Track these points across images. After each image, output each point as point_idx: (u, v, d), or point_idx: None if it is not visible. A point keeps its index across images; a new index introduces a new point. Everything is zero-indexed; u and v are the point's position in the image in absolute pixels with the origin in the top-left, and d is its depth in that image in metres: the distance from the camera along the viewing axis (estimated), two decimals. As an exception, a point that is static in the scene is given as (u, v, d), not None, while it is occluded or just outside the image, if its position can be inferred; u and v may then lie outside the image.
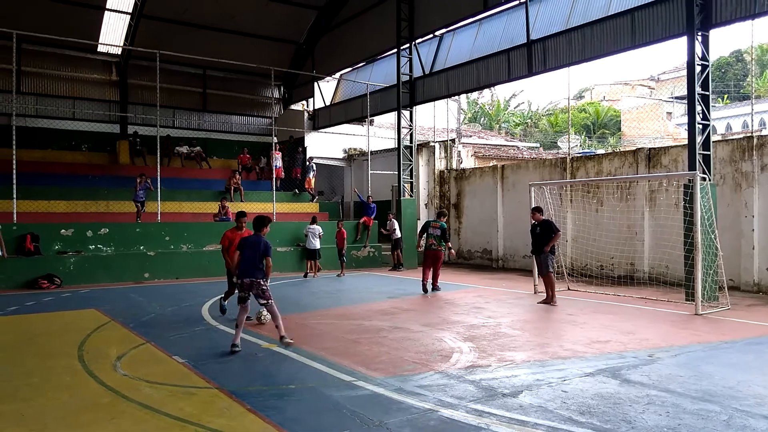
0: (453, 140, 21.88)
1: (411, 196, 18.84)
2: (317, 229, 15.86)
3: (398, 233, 17.74)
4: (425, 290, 12.46)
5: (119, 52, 22.28)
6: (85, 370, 6.37)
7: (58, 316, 10.15)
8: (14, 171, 14.08)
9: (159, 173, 16.44)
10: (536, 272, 12.52)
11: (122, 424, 4.71)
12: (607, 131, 44.24)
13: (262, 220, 7.59)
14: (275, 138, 19.89)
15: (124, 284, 14.39)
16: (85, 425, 4.68)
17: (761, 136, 12.51)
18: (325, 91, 24.73)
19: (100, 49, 21.86)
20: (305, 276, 15.98)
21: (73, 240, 14.76)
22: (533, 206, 11.01)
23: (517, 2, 15.71)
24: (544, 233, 10.84)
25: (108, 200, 17.50)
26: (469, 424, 4.63)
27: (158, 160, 16.70)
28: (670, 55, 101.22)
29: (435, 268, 12.75)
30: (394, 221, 17.80)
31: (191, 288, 13.73)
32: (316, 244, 15.83)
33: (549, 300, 10.71)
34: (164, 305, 11.10)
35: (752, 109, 14.08)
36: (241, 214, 9.23)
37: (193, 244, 16.43)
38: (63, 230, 14.77)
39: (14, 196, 14.10)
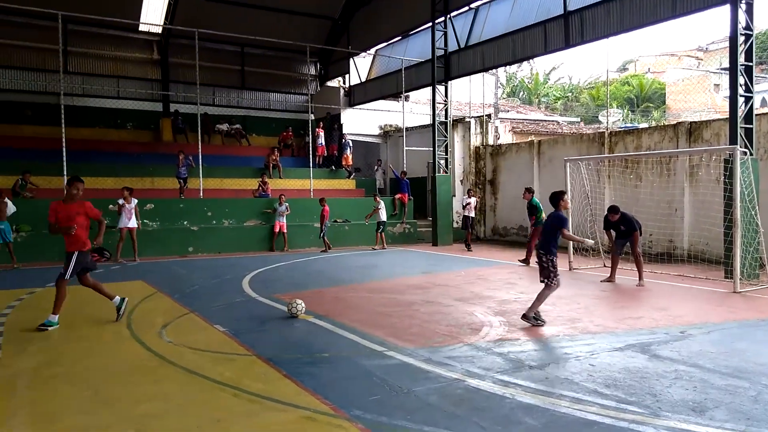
0: (489, 116, 21.66)
1: (446, 172, 18.85)
2: (382, 203, 17.46)
3: (472, 211, 17.06)
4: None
5: (160, 31, 22.75)
6: (132, 336, 6.78)
7: (108, 287, 10.64)
8: (64, 149, 14.68)
9: (200, 150, 16.90)
10: (572, 250, 12.58)
11: (167, 385, 5.04)
12: (651, 105, 42.89)
13: (554, 196, 7.57)
14: (312, 115, 20.11)
15: (170, 257, 14.96)
16: (133, 385, 5.03)
17: (811, 108, 12.04)
18: (360, 67, 24.73)
19: (142, 28, 22.36)
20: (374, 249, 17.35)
21: (120, 215, 15.36)
22: (610, 205, 10.88)
23: (555, -28, 15.37)
24: (627, 229, 10.50)
25: (153, 177, 18.12)
26: (495, 394, 4.77)
27: (199, 138, 17.15)
28: (718, 24, 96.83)
29: None
30: (473, 198, 17.25)
31: (232, 262, 14.20)
32: (383, 217, 17.47)
33: (639, 278, 10.59)
34: (207, 278, 11.55)
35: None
36: (72, 180, 7.18)
37: (234, 220, 16.90)
38: (111, 206, 15.38)
39: (65, 173, 14.71)
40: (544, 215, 13.08)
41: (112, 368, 5.56)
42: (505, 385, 4.96)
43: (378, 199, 17.53)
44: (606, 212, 10.73)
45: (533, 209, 13.45)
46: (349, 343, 6.42)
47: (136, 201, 14.35)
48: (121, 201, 14.18)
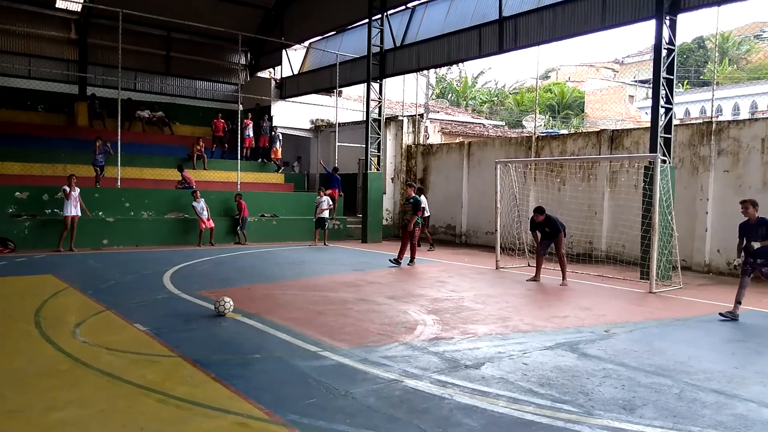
0: (421, 115, 21.83)
1: (378, 169, 18.80)
2: (326, 200, 16.90)
3: (427, 211, 16.15)
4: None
5: (79, 9, 21.30)
6: (42, 336, 6.22)
7: (13, 280, 9.85)
8: (-36, 130, 13.49)
9: (119, 137, 15.95)
10: (498, 250, 12.85)
11: (83, 390, 4.63)
12: (571, 112, 44.86)
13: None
14: (241, 106, 19.49)
15: (82, 250, 14.02)
16: (44, 391, 4.58)
17: (720, 121, 12.87)
18: (293, 60, 24.23)
19: (59, 5, 20.83)
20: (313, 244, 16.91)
21: (28, 203, 14.26)
22: (536, 207, 11.09)
23: (490, -23, 15.63)
24: (552, 231, 10.71)
25: (66, 163, 16.87)
26: (433, 395, 4.72)
27: (119, 124, 16.19)
28: (634, 38, 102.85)
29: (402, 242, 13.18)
30: (422, 196, 15.92)
31: (152, 256, 13.49)
32: (325, 213, 16.97)
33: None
34: (124, 272, 10.89)
35: (713, 95, 14.47)
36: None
37: (154, 212, 16.08)
38: (17, 193, 14.25)
39: (-36, 155, 13.54)
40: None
41: (21, 371, 5.07)
42: (443, 386, 4.92)
43: (322, 193, 17.11)
44: (532, 213, 10.99)
45: (417, 205, 12.95)
46: (281, 343, 6.18)
47: (78, 190, 13.86)
48: (66, 188, 13.67)
